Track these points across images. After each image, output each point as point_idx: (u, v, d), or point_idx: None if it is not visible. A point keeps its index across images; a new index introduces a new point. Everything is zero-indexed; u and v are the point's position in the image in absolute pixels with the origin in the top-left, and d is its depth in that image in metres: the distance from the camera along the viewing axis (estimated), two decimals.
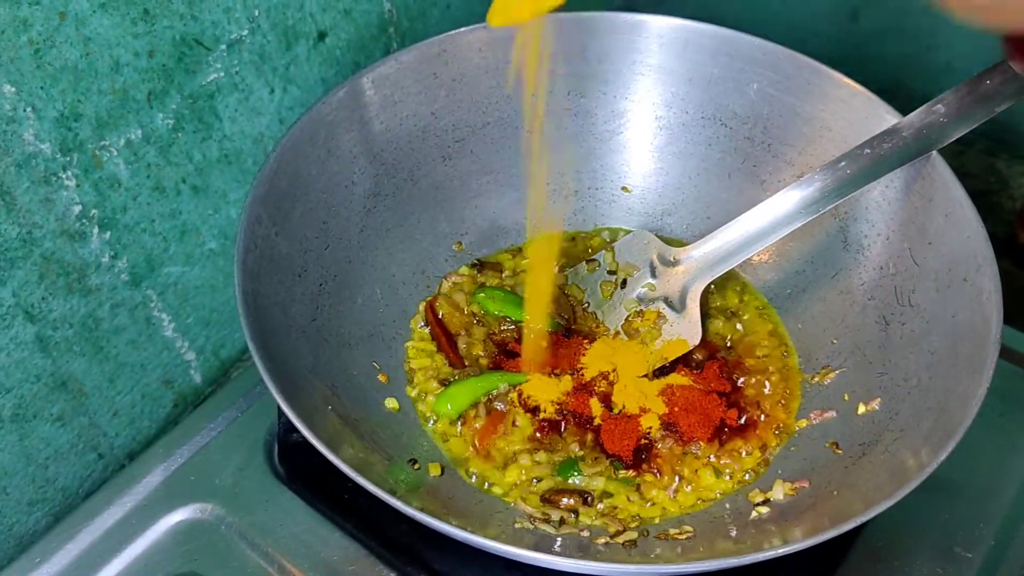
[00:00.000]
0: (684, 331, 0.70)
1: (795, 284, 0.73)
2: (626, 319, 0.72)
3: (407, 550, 0.62)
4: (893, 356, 0.64)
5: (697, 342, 0.70)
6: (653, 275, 0.72)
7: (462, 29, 0.73)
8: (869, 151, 0.63)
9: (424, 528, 0.51)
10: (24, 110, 0.56)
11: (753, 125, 0.74)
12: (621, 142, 0.77)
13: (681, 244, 0.73)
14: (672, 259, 0.72)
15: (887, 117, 0.66)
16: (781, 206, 0.65)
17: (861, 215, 0.69)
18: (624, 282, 0.73)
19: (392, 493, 0.50)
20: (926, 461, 0.52)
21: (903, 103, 0.67)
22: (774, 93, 0.72)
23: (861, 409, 0.63)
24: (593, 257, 0.75)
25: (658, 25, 0.73)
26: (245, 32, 0.66)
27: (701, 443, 0.65)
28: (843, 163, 0.64)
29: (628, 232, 0.77)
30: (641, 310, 0.71)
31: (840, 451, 0.62)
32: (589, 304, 0.73)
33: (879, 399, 0.63)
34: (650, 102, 0.76)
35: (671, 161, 0.77)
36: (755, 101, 0.73)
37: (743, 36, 0.72)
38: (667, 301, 0.71)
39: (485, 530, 0.57)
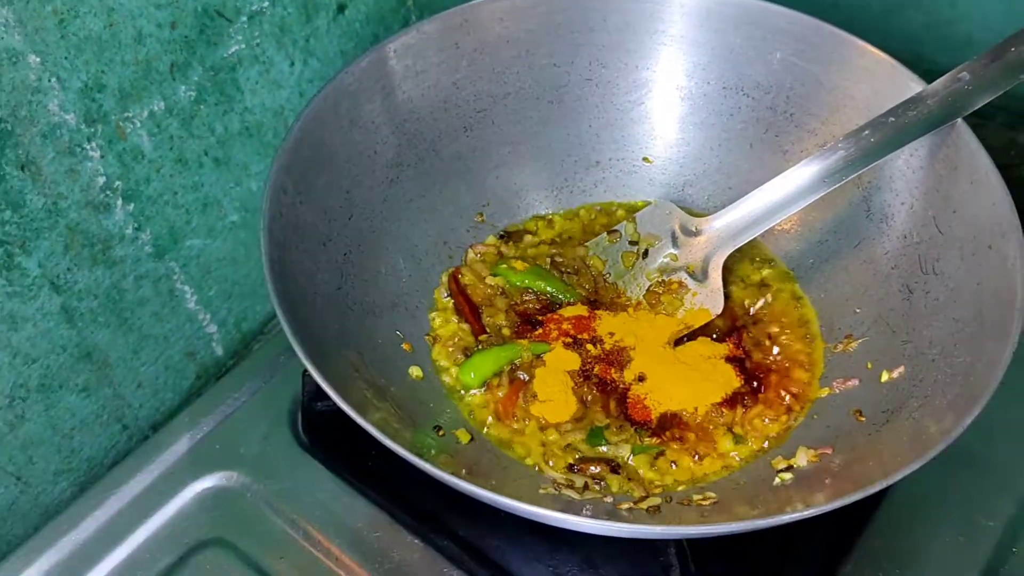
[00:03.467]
0: (706, 301, 0.70)
1: (818, 254, 0.73)
2: (648, 289, 0.72)
3: (431, 516, 0.63)
4: (917, 324, 0.63)
5: (719, 312, 0.70)
6: (675, 245, 0.72)
7: None
8: (893, 119, 0.63)
9: (448, 494, 0.52)
10: (49, 80, 0.56)
11: (776, 95, 0.73)
12: (643, 113, 0.77)
13: (703, 215, 0.73)
14: (694, 229, 0.71)
15: (911, 85, 0.66)
16: (803, 176, 0.65)
17: (885, 184, 0.69)
18: (646, 252, 0.73)
19: (420, 456, 0.50)
20: (950, 428, 0.52)
21: (922, 75, 0.67)
22: (797, 62, 0.71)
23: (884, 377, 0.63)
24: (615, 228, 0.75)
25: None
26: (266, 4, 0.66)
27: (723, 410, 0.65)
28: (867, 132, 0.63)
29: (649, 203, 0.77)
30: (663, 280, 0.71)
31: (863, 419, 0.62)
32: (611, 274, 0.73)
33: (903, 367, 0.62)
34: (672, 72, 0.75)
35: (693, 132, 0.77)
36: (778, 70, 0.72)
37: (766, 5, 0.71)
38: (689, 271, 0.71)
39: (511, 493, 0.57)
